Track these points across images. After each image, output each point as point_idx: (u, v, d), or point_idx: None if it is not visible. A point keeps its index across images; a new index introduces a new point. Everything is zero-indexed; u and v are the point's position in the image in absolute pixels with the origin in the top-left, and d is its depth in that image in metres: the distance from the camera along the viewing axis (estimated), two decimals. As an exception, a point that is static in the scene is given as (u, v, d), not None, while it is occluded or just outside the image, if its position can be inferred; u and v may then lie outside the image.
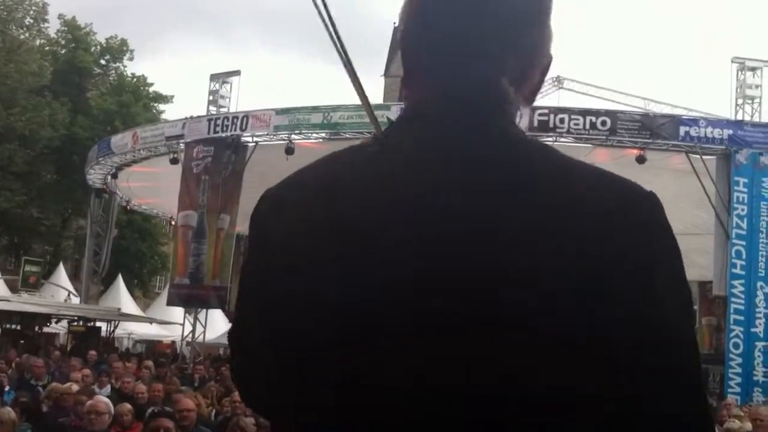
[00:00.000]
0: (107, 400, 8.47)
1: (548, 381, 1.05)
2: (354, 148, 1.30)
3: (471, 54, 1.22)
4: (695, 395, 1.11)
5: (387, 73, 71.31)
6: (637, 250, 1.10)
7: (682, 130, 18.62)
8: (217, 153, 22.24)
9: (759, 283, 18.25)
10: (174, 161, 22.93)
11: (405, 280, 1.10)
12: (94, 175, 28.15)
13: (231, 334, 1.34)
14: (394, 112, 20.02)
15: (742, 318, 18.10)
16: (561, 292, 1.06)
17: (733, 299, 18.28)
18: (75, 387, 10.51)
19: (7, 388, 12.56)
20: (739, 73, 20.76)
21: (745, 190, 18.47)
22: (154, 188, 27.53)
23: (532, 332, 1.06)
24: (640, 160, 18.27)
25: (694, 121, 18.96)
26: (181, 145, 23.29)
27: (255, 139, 22.07)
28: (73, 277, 37.03)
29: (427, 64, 1.26)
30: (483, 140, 1.17)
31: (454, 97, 1.21)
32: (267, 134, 21.78)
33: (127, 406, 9.09)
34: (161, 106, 48.23)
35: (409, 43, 1.30)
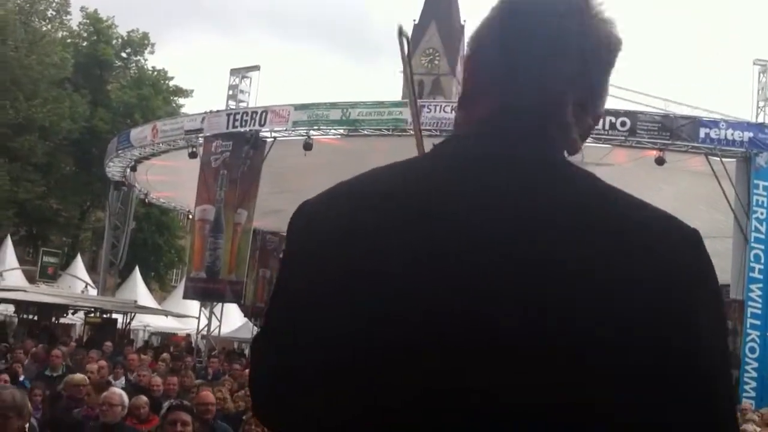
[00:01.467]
0: (121, 391, 8.48)
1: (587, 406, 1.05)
2: (400, 163, 1.30)
3: (544, 79, 1.23)
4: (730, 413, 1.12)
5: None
6: (680, 290, 1.10)
7: (702, 131, 18.44)
8: (235, 148, 22.24)
9: (777, 288, 18.07)
10: (193, 155, 22.95)
11: (443, 302, 1.09)
12: (114, 168, 28.25)
13: (261, 345, 1.32)
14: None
15: (758, 322, 17.92)
16: (595, 327, 1.06)
17: (750, 303, 18.09)
18: (80, 376, 10.53)
19: (22, 378, 12.63)
20: (761, 75, 20.55)
21: (765, 193, 18.25)
22: (172, 182, 27.59)
23: (577, 361, 1.06)
24: (659, 161, 18.14)
25: (714, 123, 18.73)
26: (200, 139, 23.32)
27: (273, 134, 22.05)
28: (91, 268, 37.20)
29: (496, 85, 1.26)
30: (537, 165, 1.18)
31: (515, 117, 1.23)
32: (285, 129, 21.74)
33: (144, 398, 9.13)
34: (181, 100, 48.46)
35: (479, 64, 1.30)
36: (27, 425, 7.69)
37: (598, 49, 1.26)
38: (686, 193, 19.55)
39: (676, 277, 1.09)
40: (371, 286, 1.13)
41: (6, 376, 10.84)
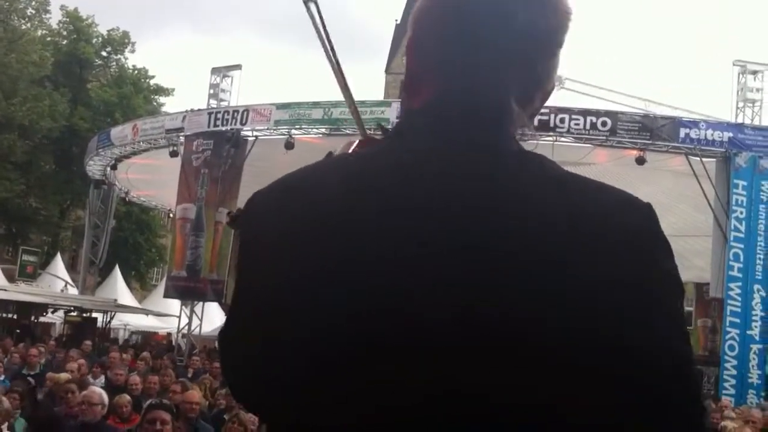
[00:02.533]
0: (101, 390, 8.46)
1: (533, 395, 1.04)
2: (349, 155, 1.31)
3: (484, 66, 1.21)
4: (693, 416, 1.08)
5: (388, 70, 71.33)
6: (633, 265, 1.07)
7: (683, 131, 18.57)
8: (216, 146, 22.21)
9: (756, 286, 18.21)
10: (174, 154, 22.90)
11: (393, 291, 1.08)
12: (94, 167, 28.14)
13: (225, 332, 1.31)
14: (394, 109, 20.06)
15: (738, 320, 18.09)
16: (550, 306, 1.04)
17: (729, 301, 18.25)
18: (65, 376, 10.49)
19: (1, 378, 12.55)
20: (741, 76, 20.70)
21: (744, 193, 18.43)
22: (153, 180, 27.53)
23: (524, 347, 1.04)
24: (640, 161, 18.24)
25: (694, 123, 18.89)
26: (180, 138, 23.25)
27: (255, 133, 22.03)
28: (71, 267, 37.04)
29: (436, 70, 1.24)
30: (483, 150, 1.16)
31: (458, 105, 1.20)
32: (267, 128, 21.74)
33: (127, 397, 9.12)
34: (162, 99, 48.31)
35: (419, 48, 1.28)
36: (5, 425, 7.70)
37: (546, 31, 1.23)
38: (667, 192, 19.69)
39: (630, 267, 1.07)
40: (343, 279, 1.11)
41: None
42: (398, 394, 1.06)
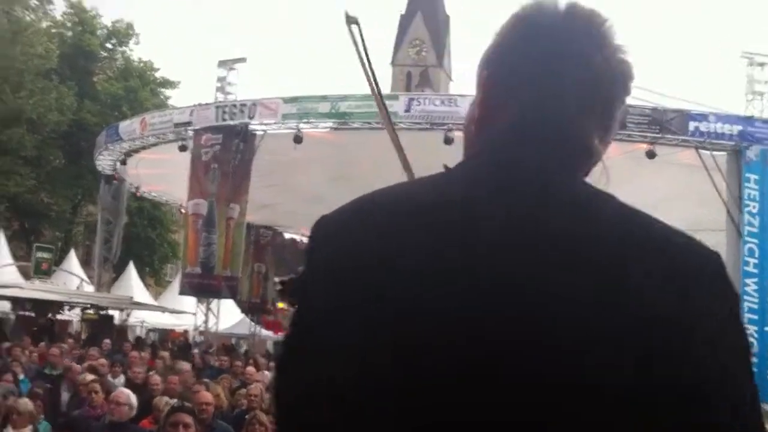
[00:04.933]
0: (129, 391, 8.57)
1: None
2: (416, 182, 1.35)
3: (560, 104, 1.27)
4: None
5: (394, 62, 71.27)
6: (702, 314, 1.10)
7: (692, 125, 18.39)
8: (225, 141, 22.14)
9: (773, 281, 17.85)
10: (183, 148, 22.80)
11: (455, 327, 1.10)
12: (104, 161, 28.13)
13: (283, 362, 1.28)
14: (402, 102, 20.04)
15: (756, 317, 17.68)
16: (619, 351, 1.06)
17: (746, 297, 17.78)
18: (89, 377, 10.59)
19: (22, 377, 12.66)
20: (749, 67, 20.57)
21: (756, 186, 18.17)
22: (163, 175, 27.44)
23: (591, 389, 1.05)
24: (651, 155, 17.98)
25: (703, 116, 18.68)
26: (189, 132, 23.19)
27: (263, 127, 21.99)
28: (84, 263, 37.08)
29: (513, 107, 1.29)
30: (556, 187, 1.21)
31: (533, 142, 1.25)
32: (275, 122, 21.68)
33: (165, 399, 9.24)
34: (168, 92, 48.22)
35: (498, 87, 1.33)
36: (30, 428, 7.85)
37: (616, 82, 1.30)
38: (677, 186, 19.52)
39: (700, 309, 1.10)
40: (410, 306, 1.12)
41: (9, 377, 10.87)
42: None
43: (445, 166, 1.34)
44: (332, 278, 1.22)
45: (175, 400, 9.38)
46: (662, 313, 1.07)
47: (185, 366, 14.06)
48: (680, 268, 1.12)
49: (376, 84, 2.25)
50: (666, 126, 18.27)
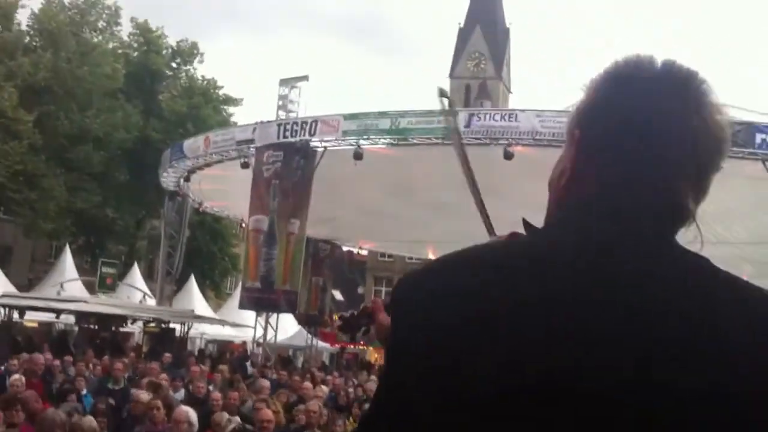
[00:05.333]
0: (189, 409, 8.63)
1: None
2: (506, 241, 1.35)
3: (661, 165, 1.25)
4: None
5: (452, 75, 71.13)
6: None
7: (759, 137, 18.11)
8: (286, 157, 22.44)
9: (839, 290, 17.63)
10: (245, 165, 23.20)
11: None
12: (168, 178, 28.68)
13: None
14: (462, 117, 20.01)
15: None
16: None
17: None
18: (145, 395, 10.68)
19: (84, 392, 12.81)
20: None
21: (823, 197, 17.88)
22: (224, 191, 27.88)
23: None
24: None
25: (769, 128, 18.37)
26: (251, 149, 23.55)
27: (324, 144, 22.22)
28: (147, 276, 37.68)
29: (604, 168, 1.27)
30: (645, 250, 1.21)
31: (629, 210, 1.24)
32: (335, 139, 21.93)
33: (226, 416, 9.33)
34: (231, 109, 48.81)
35: (590, 147, 1.30)
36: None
37: (713, 145, 1.27)
38: (743, 198, 19.17)
39: None
40: (509, 373, 1.13)
41: (74, 396, 11.01)
42: None
43: (525, 222, 1.35)
44: (425, 350, 1.19)
45: (237, 419, 9.49)
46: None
47: (264, 383, 14.02)
48: None
49: (466, 157, 2.33)
50: (732, 138, 17.88)
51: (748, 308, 1.16)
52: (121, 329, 28.33)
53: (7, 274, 31.41)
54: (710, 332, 1.13)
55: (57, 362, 16.15)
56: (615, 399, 1.10)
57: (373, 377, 17.08)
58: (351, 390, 15.59)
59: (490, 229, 1.84)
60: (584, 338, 1.13)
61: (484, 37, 72.87)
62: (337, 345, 37.22)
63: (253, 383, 14.49)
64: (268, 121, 24.43)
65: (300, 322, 32.06)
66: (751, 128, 18.47)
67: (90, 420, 8.39)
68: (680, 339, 1.12)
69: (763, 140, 18.19)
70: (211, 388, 13.73)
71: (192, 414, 8.52)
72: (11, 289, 29.13)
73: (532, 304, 1.15)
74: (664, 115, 1.25)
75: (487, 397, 1.13)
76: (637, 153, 1.24)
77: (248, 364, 23.60)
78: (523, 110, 20.28)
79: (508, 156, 18.66)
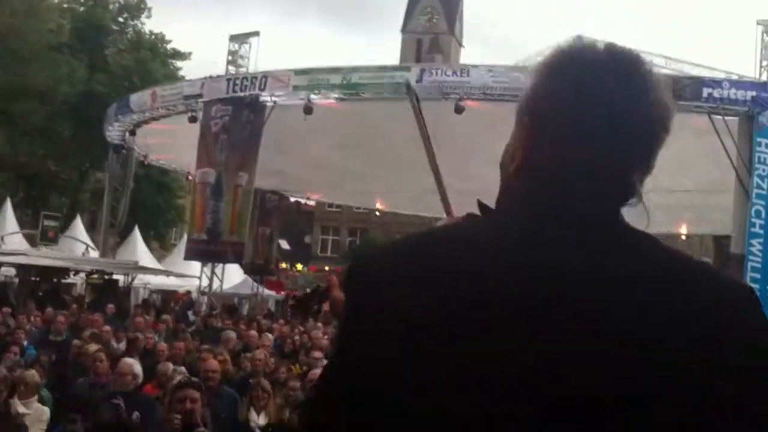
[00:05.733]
0: (134, 361, 8.53)
1: None
2: (461, 225, 1.36)
3: (611, 148, 1.27)
4: None
5: (404, 30, 70.92)
6: (751, 353, 1.17)
7: (705, 91, 18.32)
8: (235, 112, 22.24)
9: (777, 243, 18.19)
10: (192, 120, 22.90)
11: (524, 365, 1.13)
12: (113, 132, 28.22)
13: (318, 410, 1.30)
14: (414, 73, 19.97)
15: (758, 276, 18.04)
16: (670, 387, 1.12)
17: (750, 257, 18.25)
18: (93, 346, 10.54)
19: (26, 344, 12.61)
20: (764, 35, 20.49)
21: (767, 151, 18.27)
22: (171, 145, 27.60)
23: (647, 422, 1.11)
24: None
25: (717, 83, 18.64)
26: (199, 104, 23.24)
27: (273, 98, 21.96)
28: (90, 228, 37.24)
29: (560, 152, 1.28)
30: (599, 232, 1.24)
31: (579, 186, 1.26)
32: (286, 94, 21.68)
33: (169, 366, 9.23)
34: (179, 63, 48.24)
35: (544, 134, 1.31)
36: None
37: (660, 124, 1.29)
38: (688, 149, 19.55)
39: (742, 342, 1.17)
40: (460, 352, 1.14)
41: (16, 349, 10.83)
42: None
43: (480, 204, 1.39)
44: (384, 332, 1.20)
45: (182, 369, 9.39)
46: (713, 348, 1.15)
47: (230, 335, 13.83)
48: (724, 302, 1.19)
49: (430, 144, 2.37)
50: (679, 93, 18.19)
51: (698, 294, 1.19)
52: (63, 281, 28.07)
53: (-54, 228, 30.70)
54: (659, 323, 1.14)
55: (-3, 315, 15.87)
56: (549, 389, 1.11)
57: (320, 324, 17.07)
58: (297, 338, 15.58)
59: (447, 208, 1.84)
60: (528, 332, 1.14)
61: (436, -7, 72.70)
62: (283, 292, 37.46)
63: (218, 336, 14.34)
64: (218, 76, 24.16)
65: (246, 271, 32.13)
66: (699, 83, 18.80)
67: (33, 374, 8.26)
68: (627, 331, 1.13)
69: (710, 94, 18.40)
70: (156, 338, 13.65)
71: (136, 365, 8.42)
72: (-49, 243, 28.52)
73: (480, 296, 1.16)
74: (612, 99, 1.26)
75: (428, 388, 1.14)
76: (587, 138, 1.26)
77: (190, 312, 23.56)
78: (475, 66, 20.27)
79: (459, 110, 18.66)
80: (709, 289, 1.20)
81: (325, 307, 1.81)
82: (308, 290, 1.63)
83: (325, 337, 14.18)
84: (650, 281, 1.17)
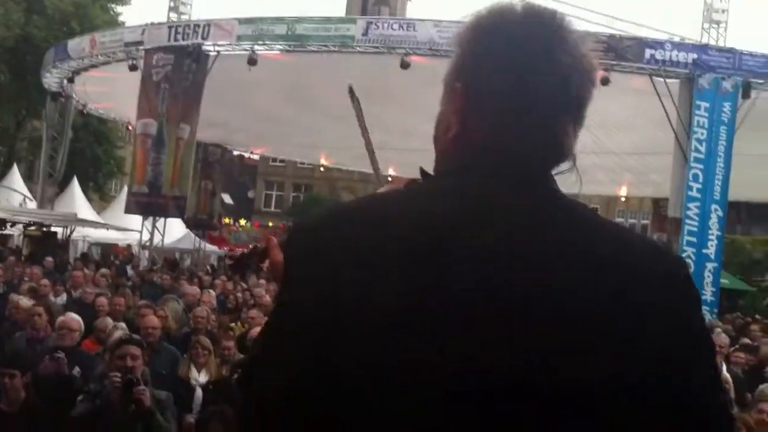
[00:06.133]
0: (76, 316, 8.41)
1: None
2: (392, 193, 1.37)
3: (535, 110, 1.30)
4: None
5: (350, -17, 70.17)
6: (670, 314, 1.19)
7: (648, 52, 18.53)
8: (177, 61, 21.79)
9: (713, 206, 18.50)
10: (133, 68, 22.42)
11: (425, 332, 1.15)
12: (51, 79, 27.56)
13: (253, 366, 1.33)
14: (359, 26, 19.84)
15: (695, 239, 18.43)
16: (591, 351, 1.14)
17: (687, 221, 18.55)
18: (26, 301, 10.31)
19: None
20: (707, -3, 20.74)
21: (706, 114, 18.51)
22: (111, 93, 27.07)
23: (560, 392, 1.12)
24: (604, 81, 18.08)
25: (659, 44, 18.83)
26: (140, 51, 22.75)
27: (217, 48, 21.62)
28: (28, 178, 36.53)
29: (489, 116, 1.32)
30: (533, 195, 1.26)
31: (510, 149, 1.29)
32: (229, 44, 21.38)
33: (109, 321, 9.12)
34: (119, 8, 47.04)
35: (476, 99, 1.34)
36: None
37: (586, 78, 1.33)
38: (629, 110, 19.80)
39: (666, 301, 1.19)
40: (388, 317, 1.16)
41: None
42: None
43: (422, 171, 1.42)
44: (313, 299, 1.22)
45: (123, 325, 9.29)
46: (645, 312, 1.17)
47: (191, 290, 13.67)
48: (655, 273, 1.22)
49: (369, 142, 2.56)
50: (622, 53, 18.31)
51: (632, 261, 1.21)
52: (0, 233, 27.52)
53: None
54: (590, 291, 1.17)
55: (-69, 266, 15.50)
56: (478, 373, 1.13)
57: (262, 281, 17.00)
58: (240, 294, 15.51)
59: (377, 172, 1.92)
60: (459, 301, 1.15)
61: (380, -58, 71.88)
62: (225, 248, 37.22)
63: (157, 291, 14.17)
64: (159, 23, 23.64)
65: (188, 226, 31.84)
66: (641, 43, 18.99)
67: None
68: (559, 298, 1.15)
69: (652, 56, 18.61)
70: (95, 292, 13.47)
71: (78, 320, 8.32)
72: None
73: (418, 263, 1.17)
74: (536, 60, 1.29)
75: (362, 363, 1.16)
76: (517, 99, 1.29)
77: (128, 267, 23.29)
78: (421, 20, 20.15)
79: (405, 65, 18.58)
80: (634, 263, 1.21)
81: (265, 265, 1.81)
82: (245, 251, 1.65)
83: (267, 294, 14.10)
84: (574, 258, 1.19)
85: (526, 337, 1.13)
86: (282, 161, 51.52)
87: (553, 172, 1.32)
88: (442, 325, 1.14)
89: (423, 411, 1.12)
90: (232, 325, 11.66)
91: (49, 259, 19.55)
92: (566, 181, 1.37)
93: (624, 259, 1.20)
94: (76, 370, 7.57)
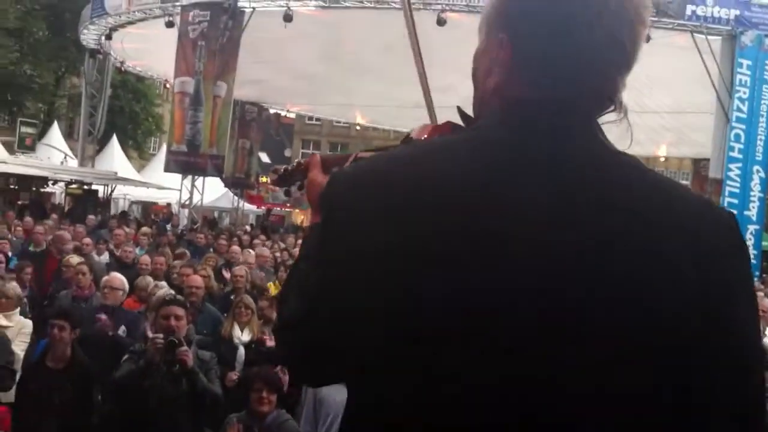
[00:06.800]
0: (122, 276, 8.51)
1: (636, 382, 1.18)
2: (443, 142, 1.35)
3: (589, 54, 1.28)
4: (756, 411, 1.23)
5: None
6: (726, 271, 1.22)
7: (689, 9, 18.20)
8: (213, 18, 21.70)
9: (755, 167, 18.25)
10: (169, 25, 22.36)
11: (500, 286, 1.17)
12: (88, 35, 27.54)
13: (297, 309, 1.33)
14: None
15: (736, 201, 18.13)
16: (657, 307, 1.17)
17: (728, 182, 18.31)
18: (76, 258, 10.46)
19: (10, 254, 12.43)
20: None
21: (749, 72, 18.18)
22: (148, 50, 27.04)
23: (631, 339, 1.17)
24: (646, 38, 17.86)
25: (701, 0, 18.45)
26: (177, 8, 22.65)
27: (252, 4, 21.45)
28: (68, 135, 36.79)
29: (539, 73, 1.30)
30: (583, 147, 1.27)
31: (557, 100, 1.28)
32: (265, 0, 21.21)
33: (149, 280, 9.22)
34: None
35: (522, 51, 1.31)
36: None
37: (634, 19, 1.30)
38: (670, 68, 19.44)
39: (718, 263, 1.22)
40: (436, 265, 1.18)
41: (2, 257, 10.70)
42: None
43: (460, 112, 1.43)
44: (354, 253, 1.23)
45: (164, 283, 9.39)
46: (694, 267, 1.19)
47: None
48: (711, 224, 1.25)
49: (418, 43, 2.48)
50: (663, 10, 17.97)
51: (677, 214, 1.23)
52: (42, 190, 27.83)
53: None
54: (644, 238, 1.19)
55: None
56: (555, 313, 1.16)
57: (300, 241, 16.94)
58: (278, 254, 15.54)
59: (432, 117, 1.88)
60: (532, 247, 1.18)
61: None
62: (263, 207, 37.26)
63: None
64: (195, -21, 23.38)
65: (226, 185, 31.96)
66: (683, 0, 18.52)
67: (14, 286, 8.18)
68: (596, 263, 1.18)
69: (693, 12, 18.27)
70: (137, 251, 13.60)
71: (125, 281, 8.43)
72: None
73: (478, 215, 1.19)
74: (583, 5, 1.27)
75: (420, 314, 1.18)
76: (568, 50, 1.27)
77: (168, 226, 23.43)
78: (459, -23, 19.82)
79: (441, 22, 18.39)
80: (692, 218, 1.24)
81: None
82: (289, 167, 1.66)
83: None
84: (626, 208, 1.21)
85: (596, 280, 1.17)
86: (318, 119, 51.39)
87: (602, 121, 1.32)
88: (514, 266, 1.17)
89: (516, 338, 1.16)
90: (269, 283, 11.67)
91: (92, 217, 19.73)
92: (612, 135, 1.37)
93: (679, 209, 1.24)
94: (122, 329, 7.71)
